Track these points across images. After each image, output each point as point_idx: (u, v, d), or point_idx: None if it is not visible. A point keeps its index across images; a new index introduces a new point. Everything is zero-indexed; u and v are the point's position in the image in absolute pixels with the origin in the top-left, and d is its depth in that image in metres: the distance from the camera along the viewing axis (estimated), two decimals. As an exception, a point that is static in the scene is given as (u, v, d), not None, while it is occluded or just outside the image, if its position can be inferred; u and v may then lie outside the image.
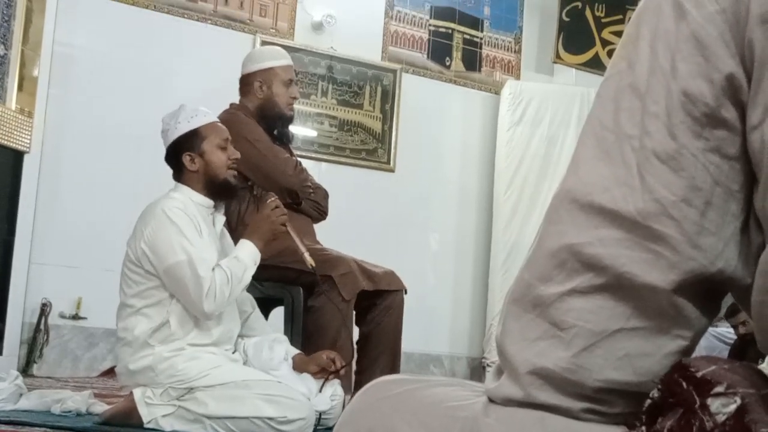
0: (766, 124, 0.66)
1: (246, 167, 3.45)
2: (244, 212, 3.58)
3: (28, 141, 5.02)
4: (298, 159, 3.93)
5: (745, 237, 0.71)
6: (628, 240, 0.69)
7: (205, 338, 2.99)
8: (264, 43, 5.93)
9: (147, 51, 5.73)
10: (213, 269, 2.91)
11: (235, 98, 3.86)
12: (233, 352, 3.10)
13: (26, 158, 5.07)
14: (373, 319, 3.69)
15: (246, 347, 3.15)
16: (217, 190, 3.13)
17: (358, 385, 3.40)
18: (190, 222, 2.97)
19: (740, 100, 0.68)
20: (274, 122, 3.78)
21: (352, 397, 0.94)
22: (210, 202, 3.14)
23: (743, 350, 5.32)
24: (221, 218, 3.22)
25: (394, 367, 3.67)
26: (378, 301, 3.69)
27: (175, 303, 2.95)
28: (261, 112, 3.76)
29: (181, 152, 3.10)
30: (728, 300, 0.80)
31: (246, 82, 3.82)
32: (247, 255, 3.04)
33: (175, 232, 2.92)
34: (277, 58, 3.84)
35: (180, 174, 3.13)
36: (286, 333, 3.48)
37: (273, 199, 3.20)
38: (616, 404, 0.72)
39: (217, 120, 3.22)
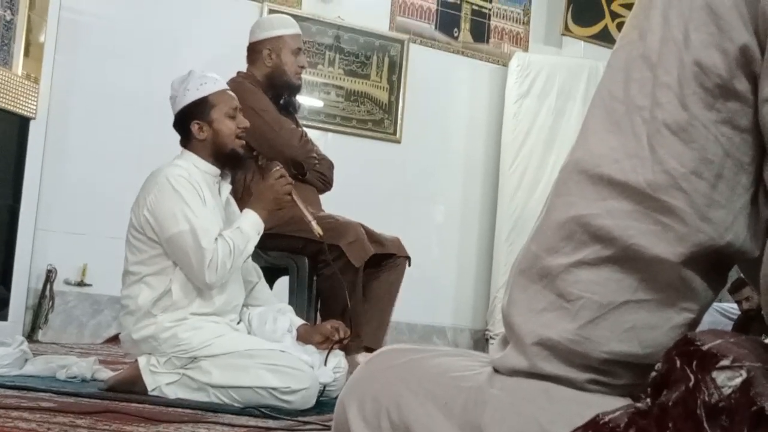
0: (778, 97, 0.66)
1: (251, 137, 3.42)
2: (249, 181, 3.56)
3: (34, 107, 5.02)
4: (304, 130, 3.91)
5: (755, 210, 0.70)
6: (637, 212, 0.69)
7: (208, 307, 2.97)
8: (271, 11, 5.89)
9: (154, 17, 5.70)
10: (216, 240, 2.89)
11: (243, 66, 3.84)
12: (238, 323, 3.09)
13: (32, 124, 5.07)
14: (372, 274, 3.68)
15: (250, 317, 3.14)
16: (224, 159, 3.10)
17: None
18: (194, 191, 2.94)
19: (753, 72, 0.67)
20: (282, 91, 3.77)
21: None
22: (216, 170, 3.11)
23: (747, 325, 5.34)
24: (227, 186, 3.19)
25: (381, 325, 3.66)
26: (382, 263, 3.69)
27: (178, 271, 2.94)
28: (269, 80, 3.75)
29: (189, 120, 3.06)
30: (732, 275, 0.79)
31: (254, 50, 3.80)
32: (251, 226, 3.00)
33: (178, 200, 2.89)
34: (286, 27, 3.82)
35: (187, 141, 3.10)
36: (291, 302, 3.48)
37: (278, 168, 3.16)
38: (621, 376, 0.72)
39: (227, 87, 3.17)
